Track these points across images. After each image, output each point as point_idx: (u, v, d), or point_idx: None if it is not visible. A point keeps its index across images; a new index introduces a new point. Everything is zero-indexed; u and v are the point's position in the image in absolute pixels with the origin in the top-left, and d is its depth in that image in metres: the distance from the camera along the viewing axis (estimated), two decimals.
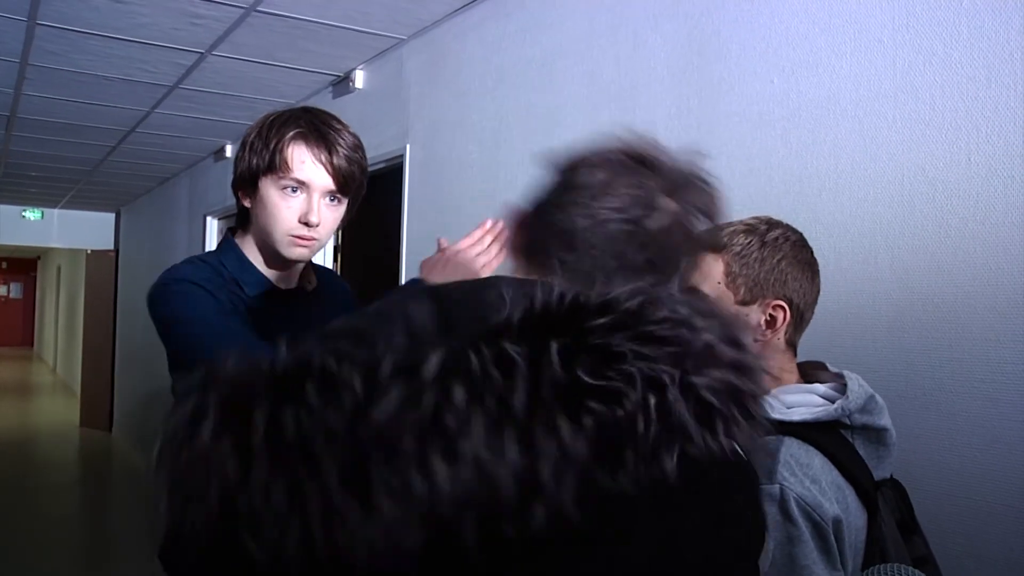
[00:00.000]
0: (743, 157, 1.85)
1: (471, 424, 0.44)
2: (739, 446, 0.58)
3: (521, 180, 2.56)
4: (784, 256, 1.20)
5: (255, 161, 1.44)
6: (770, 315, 1.18)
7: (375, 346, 0.49)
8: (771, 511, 0.97)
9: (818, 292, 1.23)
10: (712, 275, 1.20)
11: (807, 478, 1.02)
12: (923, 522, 1.20)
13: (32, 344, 21.10)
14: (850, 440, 1.13)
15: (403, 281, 3.16)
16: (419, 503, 0.42)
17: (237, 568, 0.42)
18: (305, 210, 1.44)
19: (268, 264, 1.52)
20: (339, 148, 1.44)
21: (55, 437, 9.18)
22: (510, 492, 0.44)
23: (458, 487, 0.43)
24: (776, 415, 1.03)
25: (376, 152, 3.21)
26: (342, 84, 3.68)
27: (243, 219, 1.55)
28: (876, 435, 1.15)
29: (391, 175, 3.26)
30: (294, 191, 1.44)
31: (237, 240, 1.54)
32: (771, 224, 1.24)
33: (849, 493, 1.07)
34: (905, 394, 1.48)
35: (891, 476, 1.18)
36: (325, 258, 3.76)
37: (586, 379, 0.48)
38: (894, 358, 1.51)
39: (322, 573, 0.42)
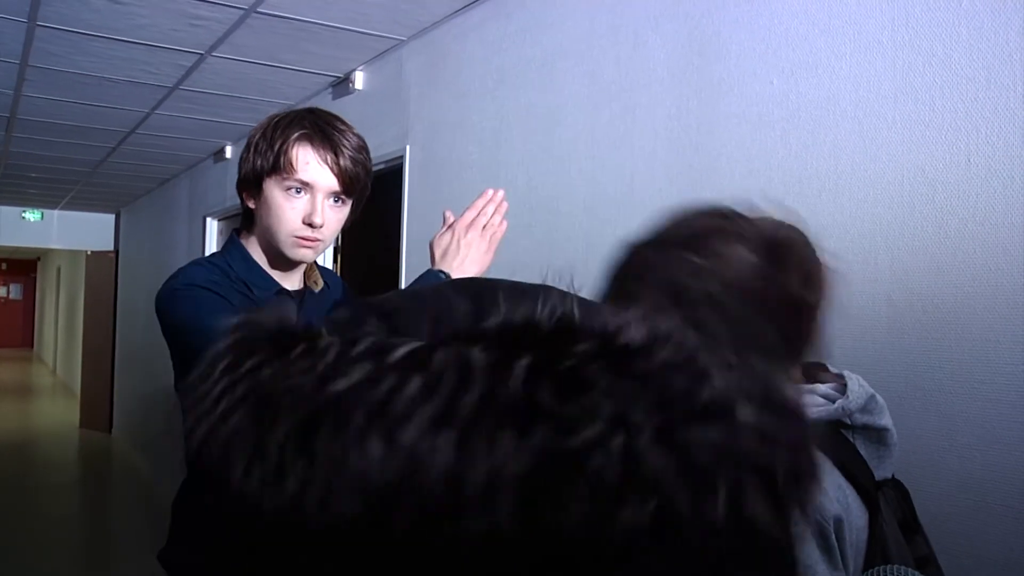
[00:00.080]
0: (743, 158, 1.85)
1: (415, 416, 0.45)
2: (765, 524, 0.56)
3: (521, 180, 2.57)
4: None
5: (259, 162, 1.45)
6: None
7: (392, 325, 0.53)
8: None
9: None
10: None
11: None
12: (923, 522, 1.20)
13: (32, 345, 21.09)
14: (851, 440, 1.14)
15: (403, 281, 3.16)
16: (353, 476, 0.45)
17: (208, 496, 0.48)
18: (309, 211, 1.44)
19: (273, 265, 1.52)
20: (344, 149, 1.45)
21: (55, 438, 9.18)
22: (438, 491, 0.46)
23: (389, 472, 0.45)
24: None
25: (376, 153, 3.20)
26: (342, 85, 3.68)
27: (248, 220, 1.55)
28: (877, 435, 1.15)
29: (391, 176, 3.26)
30: (298, 192, 1.44)
31: (242, 241, 1.54)
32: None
33: (850, 493, 1.07)
34: (905, 395, 1.48)
35: (892, 476, 1.18)
36: (325, 259, 3.76)
37: (543, 401, 0.48)
38: (894, 359, 1.52)
39: (268, 520, 0.46)
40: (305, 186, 1.44)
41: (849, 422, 1.12)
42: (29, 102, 4.28)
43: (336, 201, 1.48)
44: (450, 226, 1.43)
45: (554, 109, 2.44)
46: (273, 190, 1.45)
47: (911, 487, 1.22)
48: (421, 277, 1.51)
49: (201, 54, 3.41)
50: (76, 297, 11.67)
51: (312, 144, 1.43)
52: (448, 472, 0.46)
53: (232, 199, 4.90)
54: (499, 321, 0.52)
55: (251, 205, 1.51)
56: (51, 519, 6.01)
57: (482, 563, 0.51)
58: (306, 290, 1.58)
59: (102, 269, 9.18)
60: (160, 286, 1.46)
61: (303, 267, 1.59)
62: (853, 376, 1.17)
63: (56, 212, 9.04)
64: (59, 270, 15.28)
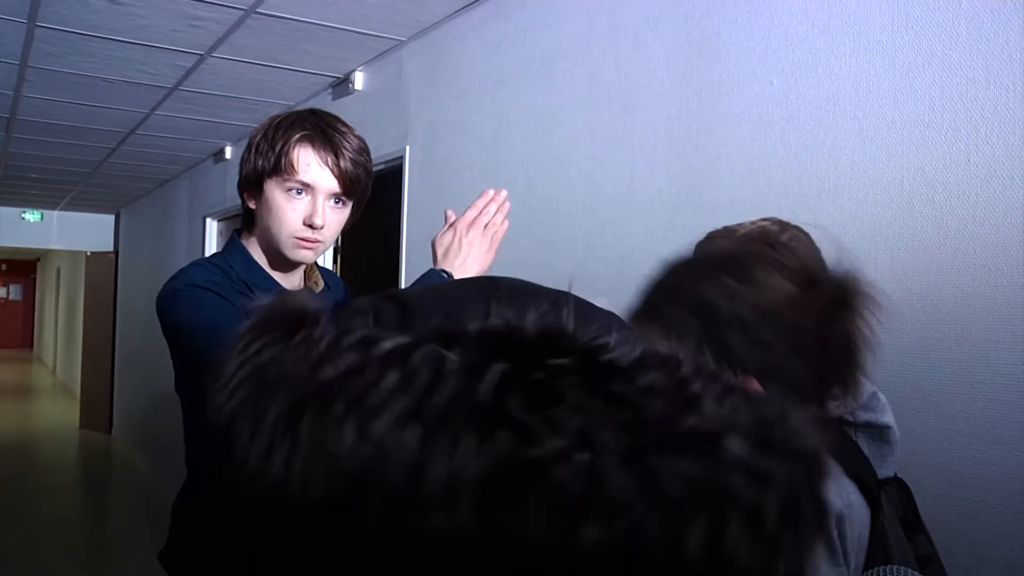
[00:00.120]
0: (742, 158, 1.85)
1: (387, 409, 0.47)
2: (745, 565, 0.54)
3: (521, 180, 2.57)
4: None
5: (260, 163, 1.45)
6: None
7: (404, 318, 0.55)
8: None
9: None
10: None
11: None
12: (923, 522, 1.20)
13: (32, 346, 21.09)
14: (853, 438, 1.14)
15: (403, 282, 3.16)
16: (329, 461, 0.48)
17: (216, 471, 0.51)
18: (310, 212, 1.44)
19: (273, 266, 1.52)
20: (345, 151, 1.45)
21: (55, 439, 9.18)
22: (402, 485, 0.47)
23: (359, 460, 0.47)
24: None
25: (376, 153, 3.20)
26: (342, 86, 3.68)
27: (248, 221, 1.55)
28: (879, 432, 1.15)
29: (391, 176, 3.26)
30: (299, 193, 1.44)
31: (243, 241, 1.54)
32: (783, 225, 1.29)
33: (852, 489, 1.07)
34: (904, 395, 1.48)
35: (895, 475, 1.18)
36: (325, 260, 3.76)
37: (510, 408, 0.48)
38: (893, 359, 1.52)
39: (261, 498, 0.49)
40: (306, 187, 1.44)
41: (851, 419, 1.12)
42: (29, 103, 4.28)
43: (337, 202, 1.48)
44: (451, 225, 1.43)
45: (554, 109, 2.45)
46: (274, 191, 1.45)
47: (911, 487, 1.22)
48: (423, 276, 1.51)
49: (201, 55, 3.41)
50: (76, 298, 11.67)
51: (313, 145, 1.44)
52: (411, 467, 0.47)
53: (232, 200, 4.91)
54: (482, 325, 0.53)
55: (252, 206, 1.51)
56: (51, 519, 6.01)
57: (447, 565, 0.52)
58: (307, 291, 1.58)
59: (102, 270, 9.18)
60: (160, 287, 1.46)
61: (303, 268, 1.59)
62: None
63: (56, 213, 9.04)
64: (59, 271, 15.28)
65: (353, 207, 1.53)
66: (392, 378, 0.48)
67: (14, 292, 21.97)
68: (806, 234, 1.27)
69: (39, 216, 8.95)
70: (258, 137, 1.47)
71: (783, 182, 1.76)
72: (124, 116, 4.55)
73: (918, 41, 1.52)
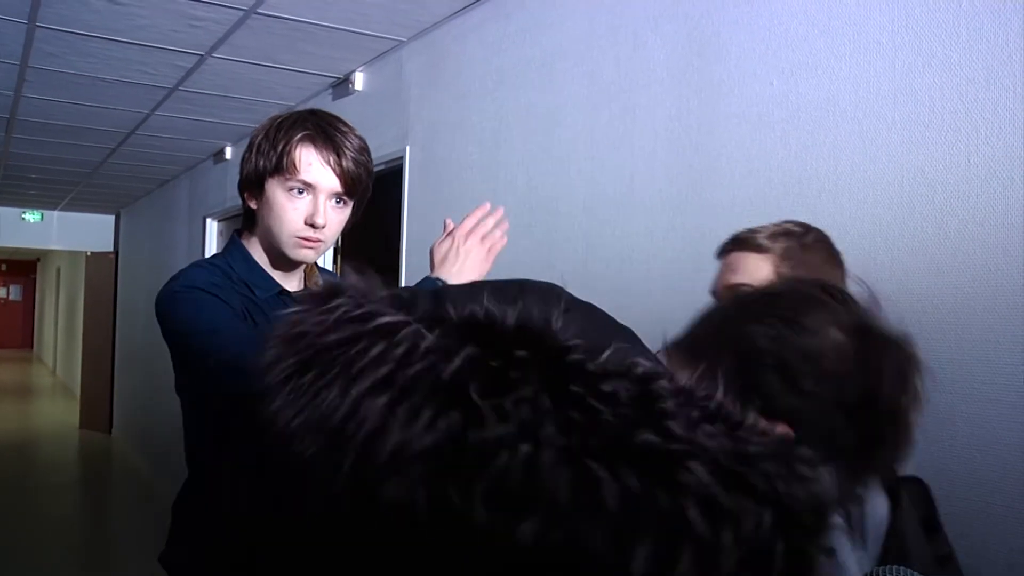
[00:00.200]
0: (743, 159, 1.85)
1: (366, 375, 0.51)
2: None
3: (521, 181, 2.57)
4: (824, 258, 1.27)
5: (262, 163, 1.45)
6: None
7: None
8: None
9: None
10: (760, 274, 1.24)
11: None
12: None
13: (32, 346, 21.10)
14: None
15: (403, 282, 3.17)
16: (317, 417, 0.52)
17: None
18: (311, 212, 1.45)
19: (274, 265, 1.53)
20: (346, 151, 1.45)
21: (55, 439, 9.18)
22: (365, 447, 0.51)
23: (337, 418, 0.51)
24: None
25: (376, 154, 3.20)
26: (342, 86, 3.68)
27: (249, 221, 1.55)
28: None
29: (391, 177, 3.26)
30: (300, 193, 1.45)
31: (244, 242, 1.54)
32: (804, 227, 1.30)
33: (871, 483, 1.06)
34: None
35: (914, 475, 1.17)
36: (326, 260, 3.76)
37: (469, 391, 0.51)
38: None
39: (267, 437, 0.54)
40: (307, 187, 1.44)
41: None
42: (29, 103, 4.28)
43: (338, 202, 1.49)
44: (449, 233, 1.43)
45: (554, 110, 2.45)
46: (275, 190, 1.45)
47: None
48: (419, 283, 1.51)
49: (201, 55, 3.41)
50: (76, 298, 11.67)
51: (315, 145, 1.44)
52: (373, 431, 0.50)
53: (232, 200, 4.91)
54: (465, 312, 0.56)
55: (253, 206, 1.51)
56: (51, 520, 6.01)
57: (400, 536, 0.53)
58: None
59: (102, 270, 9.18)
60: (160, 287, 1.47)
61: (304, 268, 1.59)
62: None
63: (56, 213, 9.04)
64: (59, 271, 15.28)
65: (354, 207, 1.53)
66: (377, 349, 0.52)
67: (14, 292, 21.97)
68: (824, 234, 1.28)
69: (39, 216, 8.95)
70: (259, 137, 1.47)
71: (783, 182, 1.76)
72: (124, 116, 4.55)
73: (918, 42, 1.52)
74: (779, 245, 1.26)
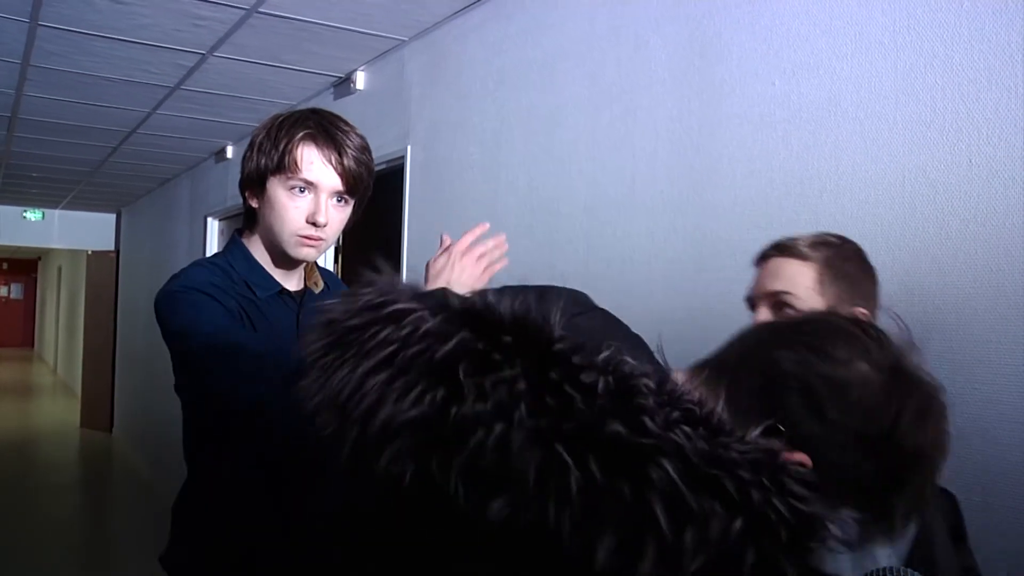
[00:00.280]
0: (744, 159, 1.85)
1: (372, 355, 0.55)
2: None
3: (522, 181, 2.57)
4: (862, 269, 1.30)
5: (263, 161, 1.45)
6: None
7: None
8: None
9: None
10: (802, 282, 1.26)
11: None
12: None
13: (33, 345, 21.11)
14: None
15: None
16: (330, 395, 0.56)
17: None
18: (313, 210, 1.45)
19: (275, 264, 1.53)
20: (347, 149, 1.46)
21: (55, 438, 9.18)
22: (366, 420, 0.54)
23: (344, 394, 0.55)
24: None
25: (377, 153, 3.20)
26: (343, 85, 3.69)
27: (250, 220, 1.55)
28: None
29: (392, 176, 3.27)
30: (302, 191, 1.45)
31: (244, 241, 1.55)
32: (842, 239, 1.32)
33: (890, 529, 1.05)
34: None
35: (943, 486, 1.16)
36: (326, 259, 3.76)
37: (459, 371, 0.54)
38: None
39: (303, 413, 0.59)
40: (309, 185, 1.45)
41: None
42: (30, 102, 4.28)
43: (339, 201, 1.49)
44: (446, 249, 1.43)
45: (555, 110, 2.45)
46: (277, 189, 1.45)
47: None
48: None
49: (202, 54, 3.41)
50: (77, 297, 11.68)
51: (316, 144, 1.44)
52: (370, 406, 0.54)
53: (233, 199, 4.91)
54: (465, 301, 0.59)
55: (254, 204, 1.51)
56: (51, 519, 6.01)
57: (389, 509, 0.57)
58: (306, 291, 1.59)
59: (103, 269, 9.18)
60: (161, 286, 1.47)
61: (304, 268, 1.59)
62: None
63: (57, 212, 9.05)
64: (60, 270, 15.29)
65: (355, 206, 1.54)
66: (386, 332, 0.55)
67: (15, 291, 21.99)
68: (861, 249, 1.31)
69: (40, 215, 8.95)
70: (261, 136, 1.48)
71: (785, 183, 1.76)
72: (126, 115, 4.56)
73: (920, 42, 1.52)
74: (821, 254, 1.28)
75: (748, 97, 1.85)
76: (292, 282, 1.56)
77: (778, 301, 1.29)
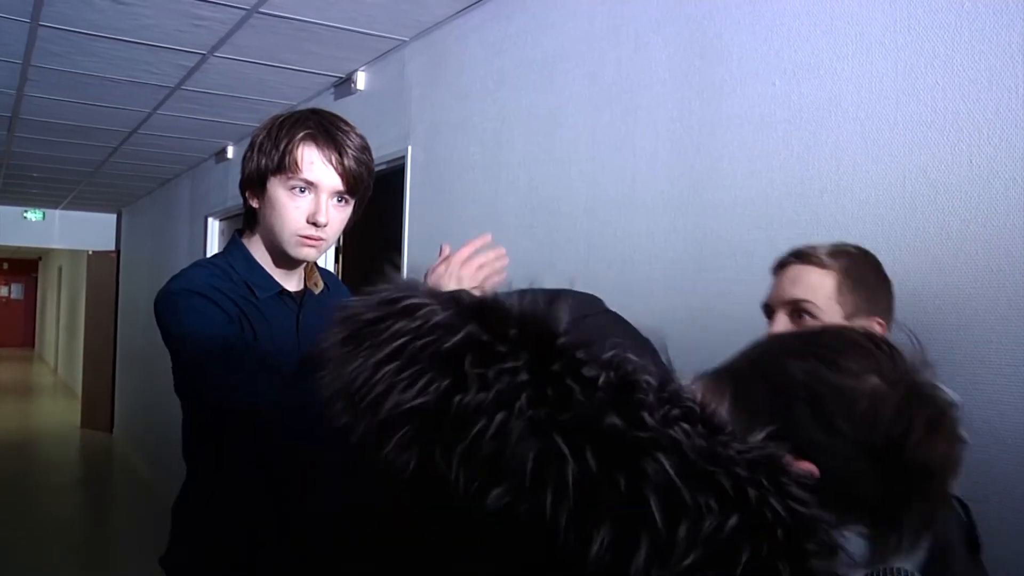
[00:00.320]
0: (745, 159, 1.85)
1: (384, 346, 0.57)
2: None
3: (522, 181, 2.57)
4: (880, 279, 1.32)
5: (264, 161, 1.46)
6: None
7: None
8: None
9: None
10: (823, 290, 1.28)
11: None
12: None
13: (33, 345, 21.11)
14: None
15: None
16: (343, 384, 0.58)
17: None
18: (313, 210, 1.45)
19: (276, 264, 1.53)
20: (348, 149, 1.46)
21: (56, 438, 9.19)
22: (374, 408, 0.56)
23: (357, 383, 0.57)
24: None
25: (377, 154, 3.20)
26: (344, 85, 3.69)
27: (250, 220, 1.56)
28: None
29: (392, 177, 3.27)
30: (302, 191, 1.45)
31: (244, 241, 1.55)
32: (859, 249, 1.34)
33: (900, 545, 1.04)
34: None
35: (956, 495, 1.16)
36: (327, 260, 3.76)
37: (464, 362, 0.55)
38: None
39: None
40: (309, 185, 1.45)
41: None
42: (31, 102, 4.28)
43: (340, 201, 1.49)
44: (445, 259, 1.43)
45: (555, 110, 2.45)
46: (277, 189, 1.45)
47: None
48: None
49: (203, 54, 3.41)
50: (77, 297, 11.68)
51: (317, 144, 1.44)
52: (378, 395, 0.56)
53: (233, 199, 4.91)
54: (477, 297, 0.61)
55: (254, 205, 1.51)
56: (51, 519, 6.01)
57: (396, 500, 0.59)
58: (306, 291, 1.59)
59: (103, 269, 9.18)
60: (161, 287, 1.47)
61: (304, 268, 1.59)
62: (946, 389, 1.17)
63: (58, 212, 9.05)
64: (60, 270, 15.29)
65: (355, 206, 1.54)
66: (399, 324, 0.57)
67: (16, 291, 21.99)
68: (877, 259, 1.33)
69: (41, 215, 8.95)
70: (261, 136, 1.48)
71: (785, 183, 1.76)
72: (126, 115, 4.56)
73: (920, 42, 1.52)
74: (840, 263, 1.30)
75: (749, 97, 1.85)
76: (292, 283, 1.56)
77: (797, 309, 1.30)
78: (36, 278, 21.15)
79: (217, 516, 1.48)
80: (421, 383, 0.54)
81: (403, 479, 0.54)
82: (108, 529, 6.13)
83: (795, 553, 0.54)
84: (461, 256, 1.40)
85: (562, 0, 2.44)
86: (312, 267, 1.62)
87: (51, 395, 13.03)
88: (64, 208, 8.89)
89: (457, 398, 0.53)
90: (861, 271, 1.30)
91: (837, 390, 0.71)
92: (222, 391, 1.37)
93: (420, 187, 3.15)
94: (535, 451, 0.52)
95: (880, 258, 1.57)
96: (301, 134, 1.44)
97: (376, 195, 1.61)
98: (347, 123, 1.51)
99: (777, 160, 1.78)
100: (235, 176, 1.65)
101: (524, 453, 0.53)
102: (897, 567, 0.95)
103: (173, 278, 1.47)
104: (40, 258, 19.66)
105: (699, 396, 0.61)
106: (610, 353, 0.58)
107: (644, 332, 0.79)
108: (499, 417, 0.53)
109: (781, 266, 1.36)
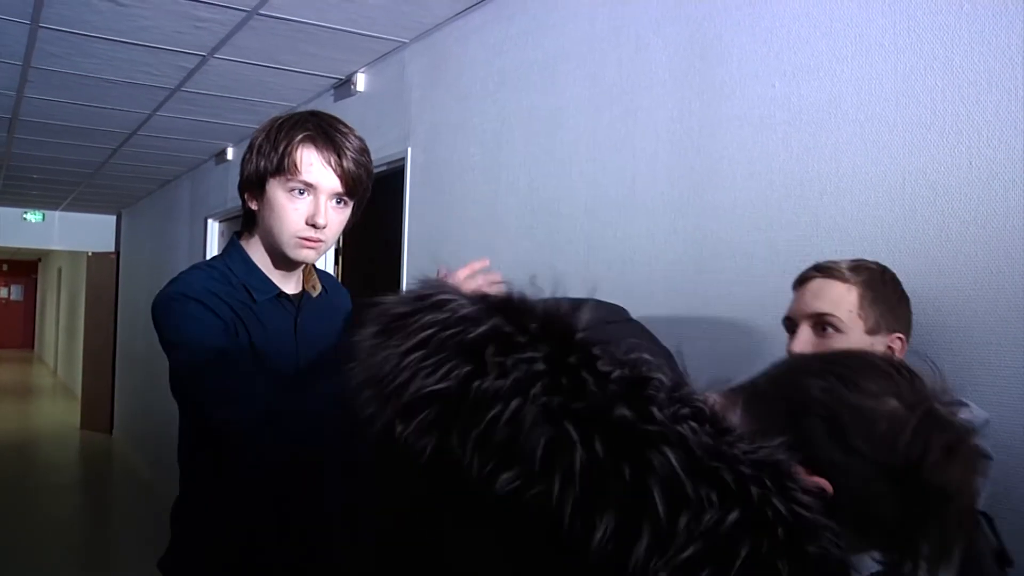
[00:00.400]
0: (744, 160, 1.85)
1: (411, 337, 0.60)
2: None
3: (523, 182, 2.57)
4: (899, 294, 1.34)
5: (263, 163, 1.46)
6: (889, 347, 1.30)
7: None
8: None
9: None
10: (845, 303, 1.30)
11: None
12: None
13: (33, 346, 21.11)
14: None
15: (404, 283, 3.17)
16: (371, 373, 0.60)
17: None
18: (312, 212, 1.45)
19: (275, 266, 1.53)
20: (347, 151, 1.46)
21: (55, 439, 9.18)
22: (398, 394, 0.58)
23: (383, 371, 0.59)
24: None
25: (377, 155, 3.20)
26: (344, 87, 3.69)
27: (249, 222, 1.56)
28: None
29: (392, 178, 3.27)
30: (301, 193, 1.45)
31: (243, 243, 1.55)
32: (878, 264, 1.37)
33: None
34: None
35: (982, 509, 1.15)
36: (326, 261, 3.76)
37: (486, 351, 0.57)
38: None
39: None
40: (308, 187, 1.45)
41: None
42: (31, 103, 4.28)
43: (339, 202, 1.49)
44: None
45: (556, 111, 2.45)
46: (276, 191, 1.45)
47: None
48: None
49: (203, 56, 3.42)
50: (77, 298, 11.68)
51: (316, 146, 1.45)
52: (403, 382, 0.58)
53: (233, 200, 4.91)
54: (505, 294, 0.63)
55: (253, 206, 1.51)
56: (51, 520, 6.01)
57: (411, 485, 0.61)
58: (304, 294, 1.59)
59: (103, 270, 9.18)
60: (161, 288, 1.47)
61: (302, 270, 1.59)
62: (971, 404, 1.18)
63: (57, 213, 9.05)
64: (60, 271, 15.29)
65: (354, 207, 1.54)
66: (428, 317, 0.60)
67: (15, 292, 21.99)
68: (895, 275, 1.35)
69: (40, 216, 8.95)
70: (260, 138, 1.48)
71: (785, 184, 1.76)
72: (126, 117, 4.56)
73: (920, 44, 1.53)
74: (862, 277, 1.32)
75: (748, 99, 1.85)
76: (290, 285, 1.56)
77: (820, 322, 1.32)
78: (36, 279, 21.14)
79: (216, 519, 1.48)
80: (444, 370, 0.57)
81: (419, 464, 0.56)
82: (108, 530, 6.13)
83: (795, 553, 0.55)
84: (457, 278, 1.40)
85: (563, 1, 2.44)
86: (310, 269, 1.62)
87: (51, 396, 13.03)
88: (64, 209, 8.89)
89: (476, 384, 0.55)
90: (881, 285, 1.33)
91: (856, 410, 0.71)
92: (217, 397, 1.38)
93: (420, 188, 3.16)
94: (546, 437, 0.54)
95: (880, 260, 1.57)
96: (300, 136, 1.44)
97: (376, 196, 1.61)
98: (346, 125, 1.51)
99: (777, 162, 1.78)
100: (235, 177, 1.65)
101: (536, 439, 0.54)
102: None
103: (171, 282, 1.47)
104: (40, 259, 19.66)
105: (711, 401, 0.63)
106: (626, 352, 0.60)
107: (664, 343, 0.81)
108: (514, 403, 0.55)
109: (802, 280, 1.38)
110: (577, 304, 0.65)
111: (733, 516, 0.54)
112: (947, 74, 1.48)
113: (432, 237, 3.04)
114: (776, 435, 0.62)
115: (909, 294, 1.51)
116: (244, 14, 2.91)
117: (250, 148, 1.50)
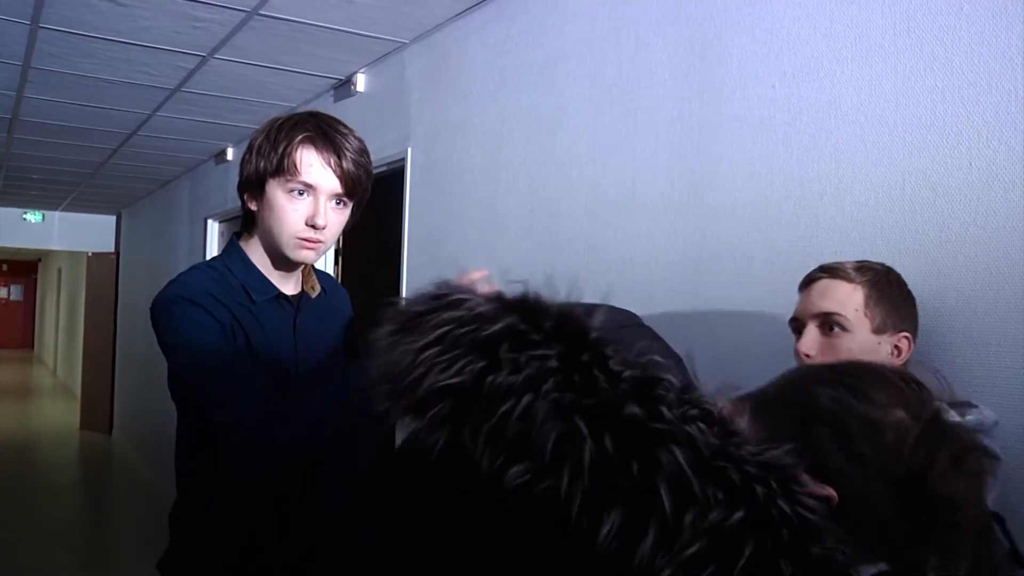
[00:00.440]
0: (744, 161, 1.85)
1: (427, 334, 0.61)
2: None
3: (523, 183, 2.57)
4: (904, 294, 1.35)
5: (262, 164, 1.46)
6: (896, 346, 1.32)
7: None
8: None
9: None
10: (851, 302, 1.31)
11: None
12: None
13: (32, 346, 21.10)
14: None
15: (404, 287, 3.17)
16: (386, 369, 0.61)
17: None
18: (312, 213, 1.45)
19: (274, 267, 1.53)
20: (346, 152, 1.46)
21: (55, 439, 9.18)
22: (412, 389, 0.59)
23: (399, 367, 0.60)
24: None
25: (377, 156, 3.21)
26: (344, 87, 3.69)
27: (248, 223, 1.55)
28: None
29: (392, 179, 3.27)
30: (301, 194, 1.45)
31: (242, 244, 1.55)
32: (883, 265, 1.38)
33: None
34: None
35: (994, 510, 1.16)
36: (326, 263, 3.76)
37: (500, 348, 0.58)
38: None
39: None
40: (308, 188, 1.45)
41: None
42: (31, 104, 4.28)
43: (338, 203, 1.49)
44: None
45: (556, 112, 2.45)
46: (276, 192, 1.45)
47: None
48: None
49: (203, 56, 3.42)
50: (77, 298, 11.68)
51: (315, 146, 1.45)
52: (417, 377, 0.59)
53: (233, 201, 4.91)
54: (520, 295, 0.64)
55: (253, 207, 1.51)
56: (51, 520, 6.01)
57: (421, 481, 0.62)
58: (303, 295, 1.59)
59: (103, 270, 9.18)
60: (160, 288, 1.47)
61: (301, 271, 1.59)
62: (982, 405, 1.18)
63: (57, 213, 9.05)
64: (60, 271, 15.29)
65: (353, 208, 1.54)
66: (444, 316, 0.61)
67: (15, 292, 21.98)
68: (900, 276, 1.36)
69: (40, 217, 8.95)
70: (259, 139, 1.48)
71: (785, 185, 1.76)
72: (126, 117, 4.56)
73: (920, 45, 1.53)
74: (867, 278, 1.34)
75: (748, 99, 1.85)
76: (289, 286, 1.56)
77: (827, 321, 1.33)
78: (36, 279, 21.14)
79: (216, 520, 1.48)
80: (458, 365, 0.57)
81: (430, 459, 0.56)
82: (107, 530, 6.13)
83: (799, 553, 0.55)
84: (472, 279, 1.41)
85: (563, 2, 2.44)
86: (309, 270, 1.62)
87: (50, 397, 13.03)
88: (64, 210, 8.89)
89: (489, 379, 0.56)
90: (887, 286, 1.34)
91: (863, 419, 0.72)
92: (216, 399, 1.38)
93: (420, 189, 3.15)
94: (557, 432, 0.55)
95: (880, 260, 1.57)
96: (300, 136, 1.44)
97: (376, 197, 1.61)
98: (345, 126, 1.51)
99: (777, 163, 1.78)
100: (234, 178, 1.65)
101: (546, 433, 0.55)
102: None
103: (169, 284, 1.46)
104: (40, 259, 19.66)
105: (719, 405, 0.63)
106: (638, 354, 0.61)
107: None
108: (526, 399, 0.55)
109: (808, 281, 1.40)
110: (591, 308, 0.66)
111: (738, 515, 0.55)
112: (947, 75, 1.48)
113: (432, 237, 3.04)
114: (784, 442, 0.63)
115: None
116: (244, 14, 2.91)
117: (249, 149, 1.50)
